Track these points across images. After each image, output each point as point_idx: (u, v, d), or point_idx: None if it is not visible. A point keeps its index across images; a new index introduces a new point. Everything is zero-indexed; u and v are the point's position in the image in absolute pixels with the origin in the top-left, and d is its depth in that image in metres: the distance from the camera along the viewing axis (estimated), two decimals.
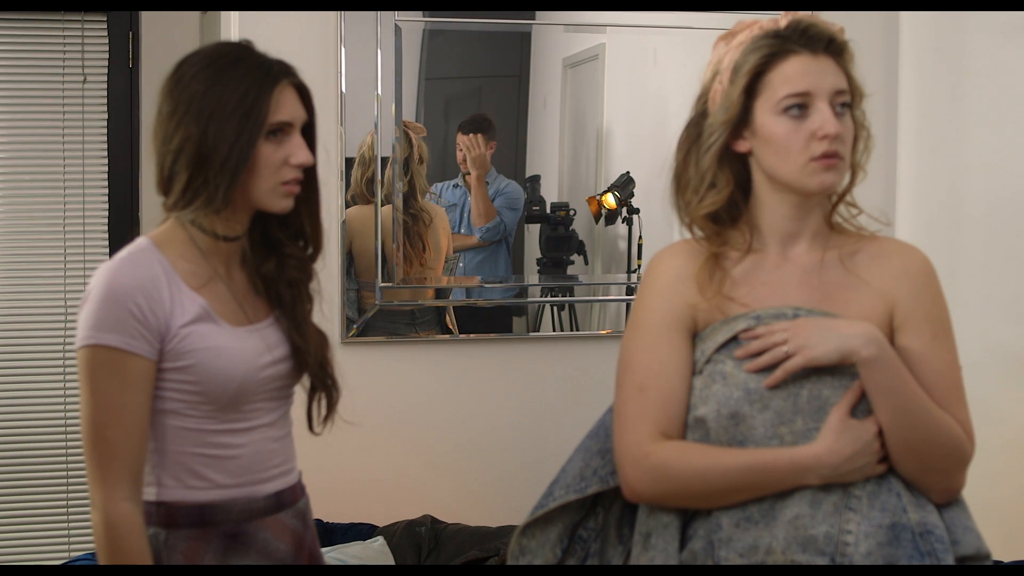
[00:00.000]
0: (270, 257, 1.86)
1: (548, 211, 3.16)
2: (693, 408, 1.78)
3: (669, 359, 1.80)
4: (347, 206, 2.96)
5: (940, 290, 1.81)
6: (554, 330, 3.18)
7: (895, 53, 3.22)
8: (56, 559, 3.51)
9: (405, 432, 3.03)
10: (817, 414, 1.72)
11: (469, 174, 3.12)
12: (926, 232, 3.06)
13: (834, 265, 1.81)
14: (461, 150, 3.10)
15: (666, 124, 3.08)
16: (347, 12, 2.92)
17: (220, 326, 1.78)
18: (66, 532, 3.60)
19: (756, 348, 1.73)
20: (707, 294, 1.80)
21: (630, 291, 3.17)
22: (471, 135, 3.09)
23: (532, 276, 3.17)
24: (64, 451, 3.58)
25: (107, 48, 3.57)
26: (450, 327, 3.09)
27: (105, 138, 3.58)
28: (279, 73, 1.77)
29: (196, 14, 3.55)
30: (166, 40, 3.52)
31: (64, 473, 3.58)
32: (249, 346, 1.80)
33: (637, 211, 3.16)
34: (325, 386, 1.92)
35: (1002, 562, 2.60)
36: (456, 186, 3.12)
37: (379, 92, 2.96)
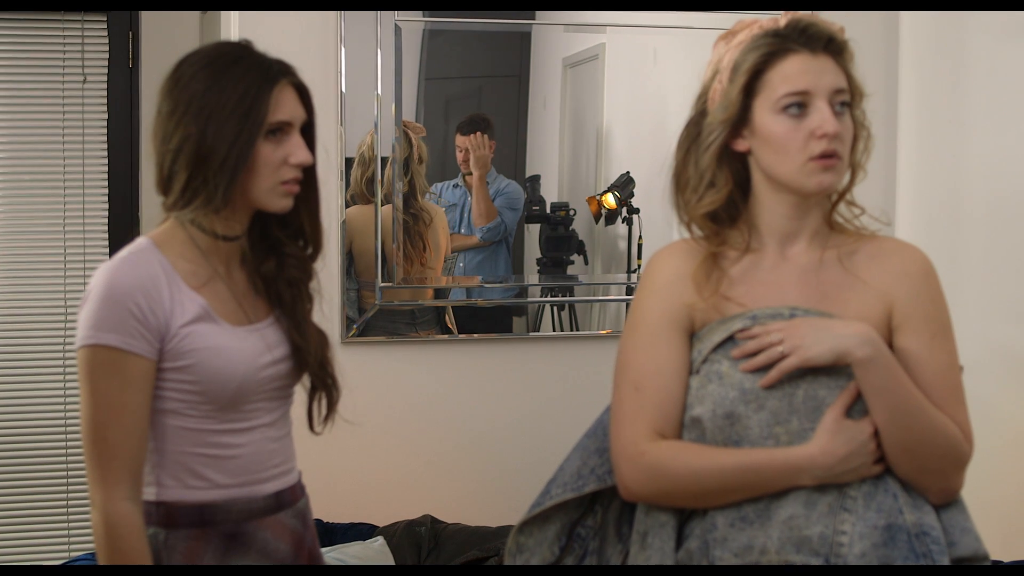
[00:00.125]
0: (270, 256, 1.86)
1: (548, 211, 3.16)
2: (689, 408, 1.78)
3: (665, 359, 1.80)
4: (347, 206, 2.96)
5: (940, 290, 1.81)
6: (554, 330, 3.18)
7: (895, 53, 3.22)
8: (56, 559, 3.50)
9: (405, 432, 3.03)
10: (813, 414, 1.71)
11: (470, 174, 3.12)
12: (926, 232, 3.06)
13: (833, 264, 1.81)
14: (461, 150, 3.10)
15: (666, 124, 3.07)
16: (347, 12, 2.92)
17: (220, 326, 1.78)
18: (66, 532, 3.60)
19: (752, 348, 1.73)
20: (704, 294, 1.80)
21: (630, 291, 3.17)
22: (475, 135, 3.09)
23: (532, 276, 3.17)
24: (64, 451, 3.58)
25: (107, 48, 3.57)
26: (450, 327, 3.09)
27: (105, 138, 3.58)
28: (278, 73, 1.77)
29: (196, 14, 3.55)
30: (166, 40, 3.52)
31: (64, 473, 3.58)
32: (249, 346, 1.80)
33: (637, 211, 3.16)
34: (325, 386, 1.92)
35: (1002, 562, 2.60)
36: (456, 186, 3.12)
37: (379, 92, 2.96)
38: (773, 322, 1.74)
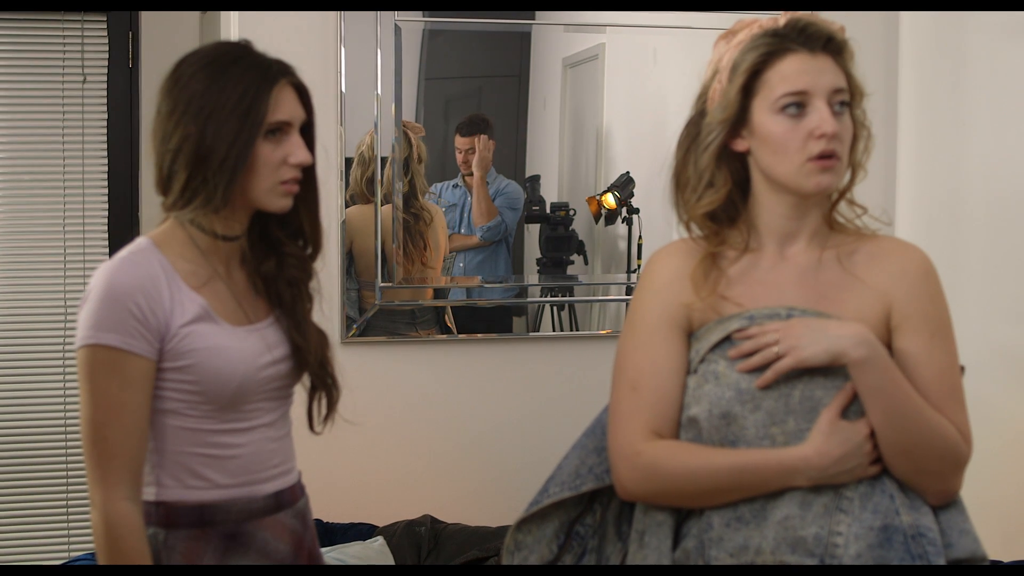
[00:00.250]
0: (270, 256, 1.86)
1: (548, 211, 3.16)
2: (686, 407, 1.78)
3: (662, 359, 1.80)
4: (346, 206, 2.96)
5: (940, 290, 1.80)
6: (554, 330, 3.18)
7: (895, 53, 3.22)
8: (56, 559, 3.51)
9: (405, 432, 3.03)
10: (809, 415, 1.71)
11: (470, 175, 3.12)
12: (926, 232, 3.06)
13: (832, 264, 1.81)
14: (460, 151, 3.10)
15: (666, 124, 3.07)
16: (347, 12, 2.92)
17: (220, 326, 1.77)
18: (66, 532, 3.60)
19: (748, 348, 1.73)
20: (702, 293, 1.80)
21: (630, 291, 3.17)
22: (477, 136, 3.09)
23: (532, 276, 3.17)
24: (64, 451, 3.58)
25: (107, 48, 3.57)
26: (450, 327, 3.09)
27: (105, 138, 3.58)
28: (278, 72, 1.77)
29: (196, 14, 3.55)
30: (166, 40, 3.52)
31: (64, 473, 3.58)
32: (249, 346, 1.79)
33: (637, 211, 3.16)
34: (325, 385, 1.92)
35: (1001, 562, 2.60)
36: (456, 186, 3.12)
37: (379, 92, 2.97)
38: (770, 322, 1.74)
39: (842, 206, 1.85)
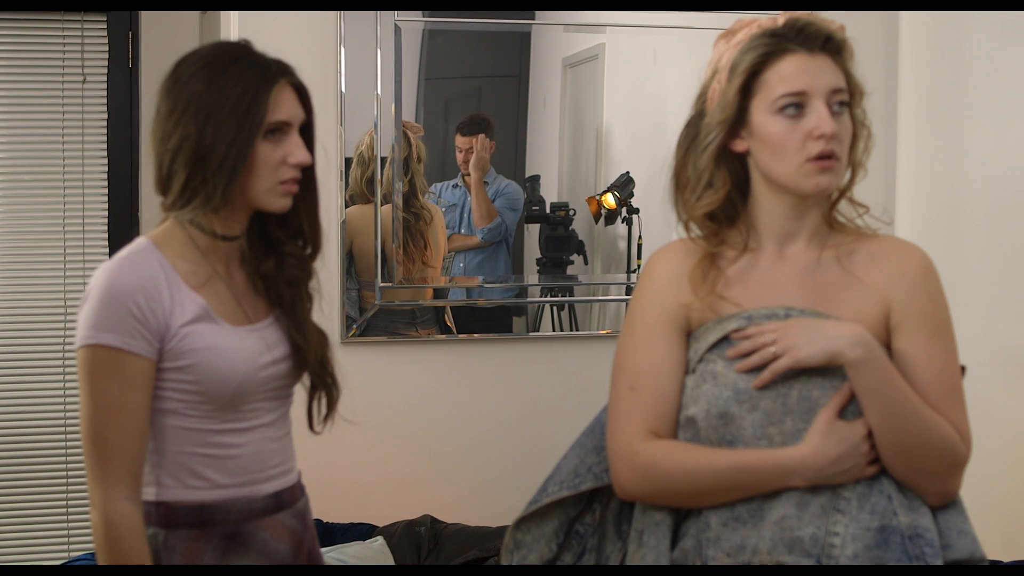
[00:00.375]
0: (269, 256, 1.86)
1: (548, 211, 3.16)
2: (684, 407, 1.78)
3: (661, 358, 1.80)
4: (346, 206, 2.96)
5: (940, 289, 1.80)
6: (554, 330, 3.18)
7: (895, 53, 3.22)
8: (56, 559, 3.51)
9: (405, 432, 3.03)
10: (807, 415, 1.71)
11: (469, 175, 3.12)
12: (926, 232, 3.06)
13: (831, 264, 1.81)
14: (461, 151, 3.10)
15: (666, 124, 3.07)
16: (347, 12, 2.92)
17: (220, 325, 1.77)
18: (66, 532, 3.60)
19: (745, 348, 1.73)
20: (700, 293, 1.80)
21: (630, 291, 3.16)
22: (477, 136, 3.09)
23: (532, 276, 3.17)
24: (64, 451, 3.58)
25: (107, 48, 3.57)
26: (450, 327, 3.09)
27: (105, 138, 3.58)
28: (277, 72, 1.77)
29: (196, 14, 3.55)
30: (166, 40, 3.52)
31: (64, 473, 3.58)
32: (249, 346, 1.79)
33: (637, 211, 3.16)
34: (325, 385, 1.92)
35: (1001, 562, 2.60)
36: (456, 186, 3.12)
37: (379, 92, 2.97)
38: (768, 322, 1.74)
39: (843, 205, 1.85)
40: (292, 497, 1.88)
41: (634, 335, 1.83)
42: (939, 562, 1.70)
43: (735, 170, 1.82)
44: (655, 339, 1.81)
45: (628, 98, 3.22)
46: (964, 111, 3.01)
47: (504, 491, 2.99)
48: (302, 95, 1.82)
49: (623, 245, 3.21)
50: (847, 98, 1.77)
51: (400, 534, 2.81)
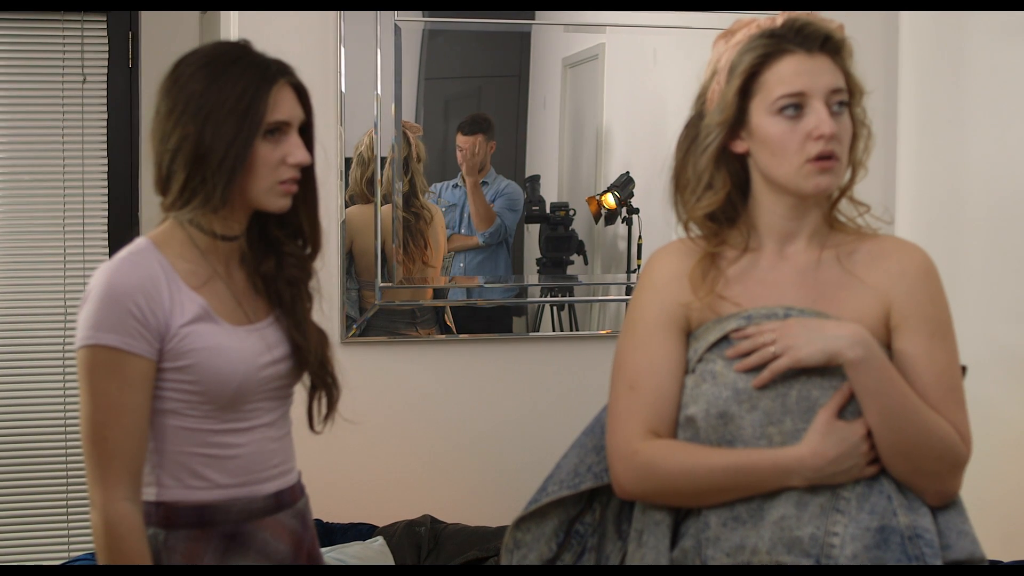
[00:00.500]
0: (269, 256, 1.86)
1: (548, 211, 3.16)
2: (684, 407, 1.78)
3: (660, 358, 1.80)
4: (346, 206, 2.96)
5: (940, 289, 1.80)
6: (554, 330, 3.18)
7: (895, 53, 3.22)
8: (56, 559, 3.51)
9: (405, 432, 3.03)
10: (806, 415, 1.71)
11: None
12: (926, 232, 3.06)
13: (831, 264, 1.81)
14: (462, 150, 3.10)
15: (665, 124, 3.07)
16: (347, 12, 2.92)
17: (220, 325, 1.77)
18: (66, 532, 3.60)
19: (745, 348, 1.73)
20: (700, 293, 1.80)
21: (630, 291, 3.16)
22: (472, 137, 3.09)
23: (532, 276, 3.17)
24: (64, 451, 3.58)
25: (107, 48, 3.57)
26: (450, 327, 3.09)
27: (105, 138, 3.58)
28: (277, 72, 1.77)
29: (196, 14, 3.55)
30: (166, 40, 3.52)
31: (64, 473, 3.59)
32: (249, 346, 1.79)
33: (637, 211, 3.16)
34: (325, 384, 1.92)
35: (1001, 562, 2.60)
36: (456, 186, 3.12)
37: (379, 92, 2.97)
38: (767, 322, 1.74)
39: (844, 205, 1.85)
40: (292, 497, 1.88)
41: (634, 335, 1.83)
42: (939, 562, 1.70)
43: (735, 171, 1.82)
44: (655, 339, 1.81)
45: (628, 98, 3.22)
46: (964, 111, 3.01)
47: (504, 491, 2.99)
48: (301, 95, 1.82)
49: (623, 245, 3.21)
50: (846, 98, 1.76)
51: (400, 534, 2.81)
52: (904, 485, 1.73)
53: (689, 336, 1.82)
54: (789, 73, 1.73)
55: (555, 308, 3.19)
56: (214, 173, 1.72)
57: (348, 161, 2.96)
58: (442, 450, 3.06)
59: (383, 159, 2.97)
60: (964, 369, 1.82)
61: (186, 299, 1.75)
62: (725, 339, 1.76)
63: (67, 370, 3.56)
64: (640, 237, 3.17)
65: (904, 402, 1.71)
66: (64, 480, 3.59)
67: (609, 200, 3.15)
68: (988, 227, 2.94)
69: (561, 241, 3.17)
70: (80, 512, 3.58)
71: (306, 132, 1.84)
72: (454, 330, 3.09)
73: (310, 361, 1.88)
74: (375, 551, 2.73)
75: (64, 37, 3.55)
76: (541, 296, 3.18)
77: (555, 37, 3.16)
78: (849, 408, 1.72)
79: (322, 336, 1.92)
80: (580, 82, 3.19)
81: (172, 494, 1.77)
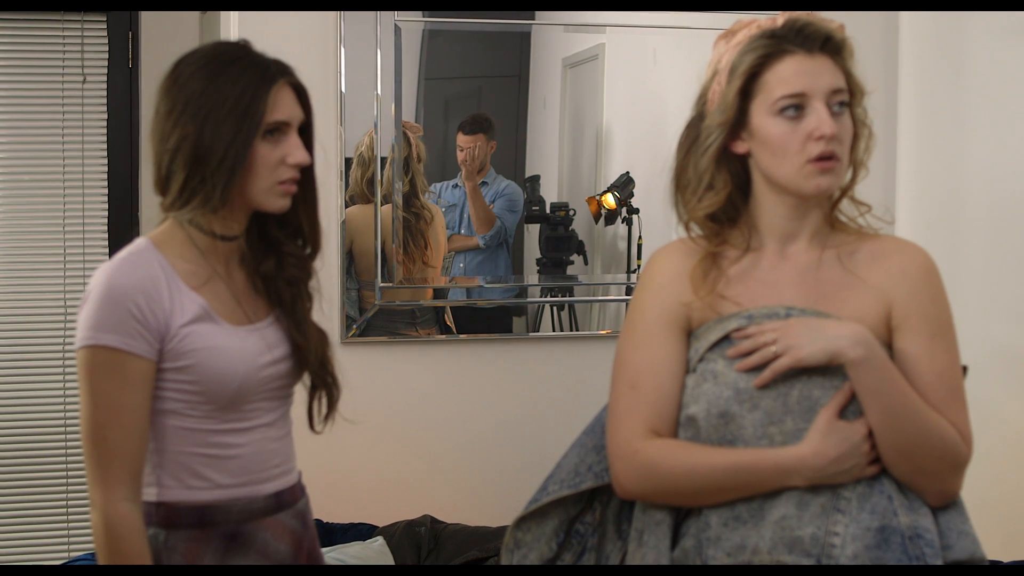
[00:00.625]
0: (269, 256, 1.86)
1: (548, 211, 3.16)
2: (685, 406, 1.78)
3: (661, 357, 1.80)
4: (346, 206, 2.96)
5: (941, 289, 1.80)
6: (554, 330, 3.18)
7: (895, 53, 3.22)
8: (56, 559, 3.51)
9: (405, 432, 3.03)
10: (807, 415, 1.71)
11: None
12: (926, 232, 3.06)
13: (832, 264, 1.81)
14: (462, 150, 3.10)
15: (665, 124, 3.07)
16: (347, 12, 2.92)
17: (220, 326, 1.77)
18: (66, 532, 3.60)
19: (746, 348, 1.73)
20: (700, 293, 1.80)
21: (630, 291, 3.16)
22: (473, 136, 3.09)
23: (532, 276, 3.17)
24: (64, 451, 3.58)
25: (107, 48, 3.57)
26: (450, 327, 3.09)
27: (105, 138, 3.58)
28: (276, 72, 1.77)
29: (196, 14, 3.55)
30: (166, 40, 3.52)
31: (64, 473, 3.59)
32: (249, 345, 1.79)
33: (637, 211, 3.16)
34: (326, 384, 1.92)
35: (1001, 562, 2.60)
36: (455, 186, 3.12)
37: (379, 92, 2.96)
38: (769, 322, 1.74)
39: (846, 205, 1.85)
40: (293, 497, 1.88)
41: (635, 334, 1.83)
42: (939, 562, 1.70)
43: (736, 171, 1.82)
44: (656, 338, 1.81)
45: (628, 98, 3.22)
46: (964, 111, 3.01)
47: (504, 491, 2.99)
48: (301, 95, 1.82)
49: (623, 245, 3.21)
50: (847, 98, 1.76)
51: (400, 534, 2.81)
52: (905, 485, 1.73)
53: (690, 335, 1.82)
54: (790, 74, 1.73)
55: (555, 308, 3.19)
56: (213, 173, 1.72)
57: (348, 161, 2.96)
58: (442, 450, 3.06)
59: (383, 159, 2.97)
60: (965, 369, 1.82)
61: (186, 299, 1.75)
62: (726, 339, 1.76)
63: (67, 370, 3.56)
64: (640, 237, 3.17)
65: (905, 402, 1.71)
66: (64, 480, 3.59)
67: (609, 200, 3.15)
68: (988, 227, 2.94)
69: (561, 241, 3.17)
70: (80, 512, 3.58)
71: (306, 132, 1.84)
72: (454, 330, 3.09)
73: (310, 361, 1.88)
74: (375, 551, 2.73)
75: (64, 37, 3.55)
76: (541, 296, 3.18)
77: (555, 37, 3.16)
78: (850, 408, 1.72)
79: (322, 336, 1.92)
80: (580, 82, 3.19)
81: (172, 494, 1.77)
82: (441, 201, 3.10)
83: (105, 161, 3.58)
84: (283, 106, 1.77)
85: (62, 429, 3.58)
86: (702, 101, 1.84)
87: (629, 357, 1.82)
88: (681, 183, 1.85)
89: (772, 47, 1.75)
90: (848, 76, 1.77)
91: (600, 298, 3.23)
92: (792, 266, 1.81)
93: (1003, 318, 2.88)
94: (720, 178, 1.81)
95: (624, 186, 3.15)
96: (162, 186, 1.78)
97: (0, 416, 3.57)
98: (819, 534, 1.68)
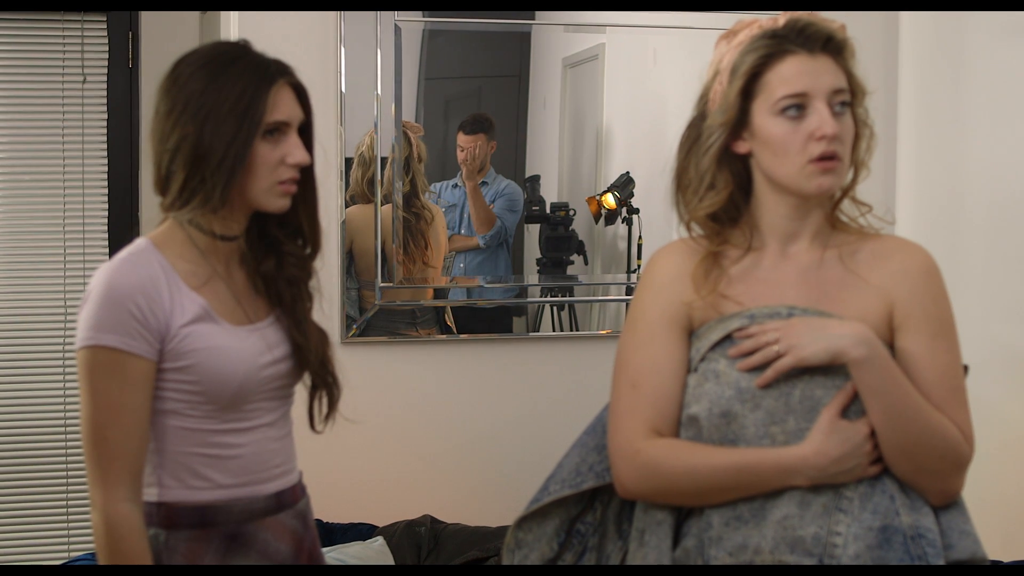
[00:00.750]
0: (269, 256, 1.86)
1: (548, 211, 3.16)
2: (686, 406, 1.78)
3: (662, 357, 1.80)
4: (346, 206, 2.96)
5: (942, 289, 1.80)
6: (554, 330, 3.18)
7: (895, 53, 3.22)
8: (56, 559, 3.50)
9: (405, 432, 3.03)
10: (809, 414, 1.71)
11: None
12: (927, 232, 3.06)
13: (833, 263, 1.81)
14: (463, 149, 3.10)
15: (666, 124, 3.08)
16: (347, 12, 2.92)
17: (220, 326, 1.77)
18: (66, 532, 3.60)
19: (748, 347, 1.73)
20: (702, 292, 1.80)
21: (630, 291, 3.17)
22: (474, 136, 3.09)
23: (532, 276, 3.17)
24: (64, 451, 3.58)
25: (107, 48, 3.57)
26: (450, 326, 3.09)
27: (105, 138, 3.58)
28: (276, 72, 1.77)
29: (196, 14, 3.55)
30: (166, 40, 3.52)
31: (64, 473, 3.58)
32: (249, 345, 1.79)
33: (637, 211, 3.16)
34: (326, 384, 1.92)
35: (1001, 562, 2.60)
36: (455, 186, 3.12)
37: (379, 92, 2.96)
38: (770, 321, 1.74)
39: (847, 205, 1.85)
40: (293, 497, 1.88)
41: (636, 334, 1.83)
42: (941, 562, 1.70)
43: (737, 171, 1.82)
44: (657, 338, 1.81)
45: (628, 98, 3.22)
46: (964, 111, 3.01)
47: (504, 491, 2.99)
48: (301, 95, 1.82)
49: (623, 245, 3.21)
50: (848, 98, 1.76)
51: (400, 534, 2.81)
52: (907, 485, 1.73)
53: (691, 335, 1.82)
54: (791, 74, 1.73)
55: (555, 308, 3.19)
56: (213, 173, 1.72)
57: (348, 161, 2.96)
58: (442, 450, 3.06)
59: (383, 159, 2.97)
60: (966, 368, 1.82)
61: (186, 299, 1.75)
62: (728, 338, 1.76)
63: (67, 370, 3.56)
64: (640, 237, 3.17)
65: (907, 401, 1.71)
66: (64, 480, 3.59)
67: (609, 200, 3.15)
68: (988, 227, 2.94)
69: (561, 241, 3.17)
70: (80, 512, 3.58)
71: (306, 132, 1.83)
72: (454, 330, 3.09)
73: (311, 361, 1.88)
74: (375, 551, 2.73)
75: (64, 37, 3.55)
76: (541, 296, 3.18)
77: (555, 37, 3.16)
78: (852, 407, 1.72)
79: (322, 336, 1.92)
80: (580, 82, 3.19)
81: (173, 494, 1.77)
82: (441, 201, 3.10)
83: (105, 161, 3.58)
84: (283, 106, 1.77)
85: (62, 429, 3.58)
86: (703, 101, 1.84)
87: (630, 357, 1.82)
88: (682, 183, 1.85)
89: (774, 47, 1.75)
90: (849, 76, 1.77)
91: (600, 298, 3.23)
92: (794, 266, 1.81)
93: (1004, 318, 2.88)
94: (721, 178, 1.81)
95: (624, 186, 3.15)
96: (162, 186, 1.78)
97: (0, 416, 3.56)
98: (821, 534, 1.68)
